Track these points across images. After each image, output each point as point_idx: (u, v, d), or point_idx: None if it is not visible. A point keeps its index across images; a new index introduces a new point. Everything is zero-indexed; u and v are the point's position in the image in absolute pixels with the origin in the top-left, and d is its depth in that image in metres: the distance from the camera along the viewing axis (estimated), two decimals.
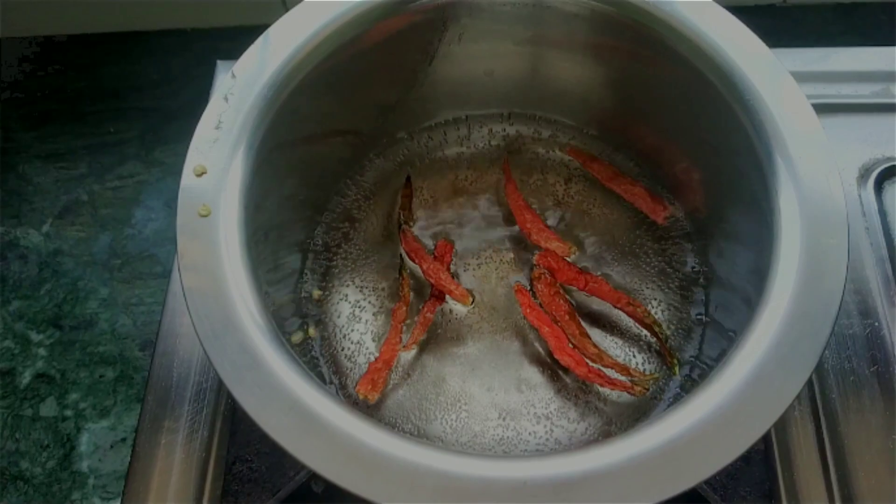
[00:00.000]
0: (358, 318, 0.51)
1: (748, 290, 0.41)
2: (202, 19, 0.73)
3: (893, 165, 0.55)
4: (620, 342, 0.49)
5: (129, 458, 0.46)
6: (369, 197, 0.55)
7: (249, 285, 0.38)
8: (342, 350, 0.50)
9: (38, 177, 0.68)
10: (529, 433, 0.46)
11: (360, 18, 0.46)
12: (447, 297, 0.50)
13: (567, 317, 0.48)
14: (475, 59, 0.53)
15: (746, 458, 0.45)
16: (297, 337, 0.49)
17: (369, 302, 0.51)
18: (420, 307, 0.50)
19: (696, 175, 0.51)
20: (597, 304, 0.50)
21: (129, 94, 0.71)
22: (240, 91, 0.43)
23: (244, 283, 0.38)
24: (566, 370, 0.48)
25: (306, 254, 0.53)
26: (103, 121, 0.70)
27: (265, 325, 0.37)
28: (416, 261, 0.51)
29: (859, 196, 0.54)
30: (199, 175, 0.40)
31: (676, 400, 0.46)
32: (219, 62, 0.59)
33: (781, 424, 0.46)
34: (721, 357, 0.37)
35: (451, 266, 0.52)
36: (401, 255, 0.52)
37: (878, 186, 0.54)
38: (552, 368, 0.48)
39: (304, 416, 0.34)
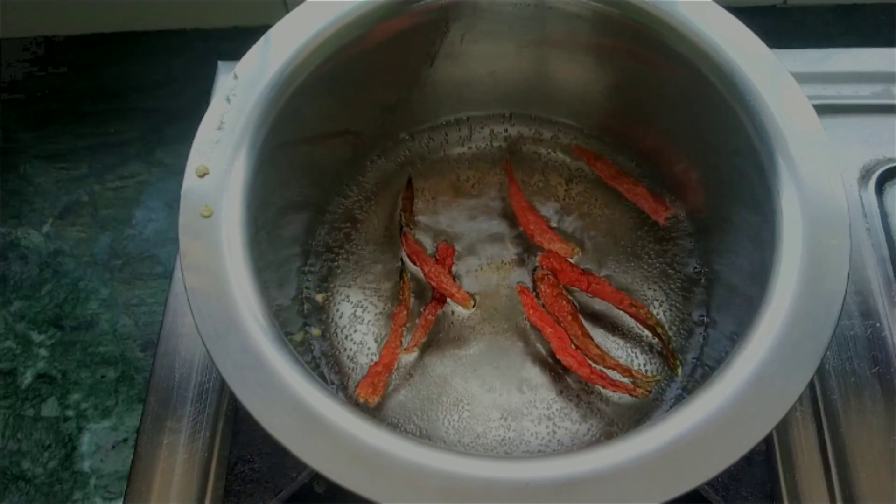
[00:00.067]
0: (360, 319, 0.51)
1: (750, 290, 0.41)
2: (203, 20, 0.73)
3: (894, 167, 0.55)
4: (622, 343, 0.49)
5: (130, 459, 0.46)
6: (371, 197, 0.55)
7: (252, 285, 0.38)
8: (344, 350, 0.50)
9: (39, 177, 0.68)
10: (531, 434, 0.47)
11: (362, 19, 0.46)
12: (448, 299, 0.50)
13: (570, 318, 0.49)
14: (477, 60, 0.53)
15: (748, 459, 0.45)
16: (299, 337, 0.49)
17: (371, 302, 0.51)
18: (421, 310, 0.50)
19: (697, 175, 0.51)
20: (599, 305, 0.50)
21: (130, 94, 0.71)
22: (242, 92, 0.43)
23: (246, 283, 0.38)
24: (568, 371, 0.48)
25: (308, 254, 0.53)
26: (104, 121, 0.70)
27: (267, 325, 0.37)
28: (418, 264, 0.51)
29: (860, 197, 0.54)
30: (202, 176, 0.40)
31: (679, 401, 0.46)
32: (220, 63, 0.59)
33: (783, 425, 0.46)
34: (723, 358, 0.37)
35: (453, 268, 0.52)
36: (402, 258, 0.52)
37: (879, 187, 0.54)
38: (554, 369, 0.48)
39: (307, 417, 0.34)
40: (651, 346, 0.49)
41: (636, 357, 0.49)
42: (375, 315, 0.51)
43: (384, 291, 0.52)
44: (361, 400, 0.46)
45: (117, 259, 0.64)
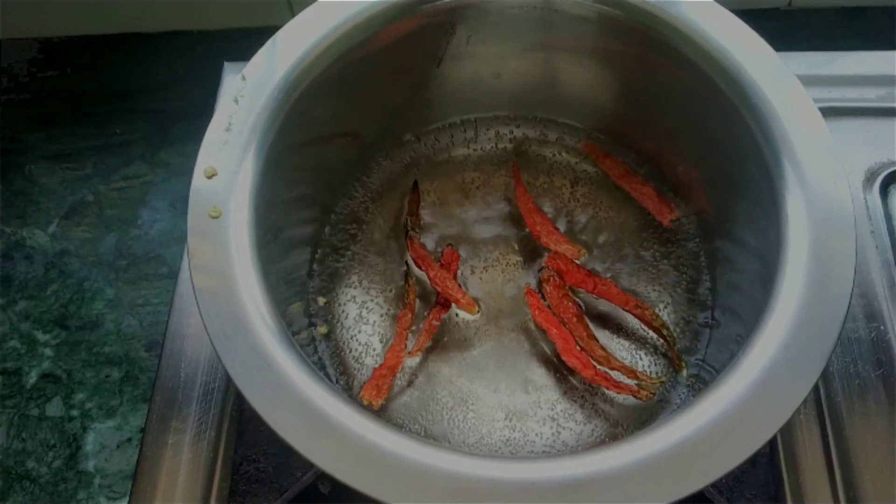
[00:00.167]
0: (365, 320, 0.51)
1: (755, 293, 0.41)
2: (207, 21, 0.73)
3: None
4: (627, 344, 0.50)
5: (134, 458, 0.47)
6: (376, 199, 0.55)
7: (259, 286, 0.38)
8: (350, 351, 0.50)
9: (44, 177, 0.68)
10: (536, 434, 0.47)
11: (369, 21, 0.46)
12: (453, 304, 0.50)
13: (575, 319, 0.49)
14: (483, 62, 0.53)
15: (752, 461, 0.45)
16: (305, 337, 0.49)
17: (377, 303, 0.51)
18: (426, 314, 0.50)
19: (702, 178, 0.51)
20: (604, 306, 0.51)
21: (135, 95, 0.71)
22: (250, 93, 0.43)
23: (254, 283, 0.38)
24: (573, 372, 0.48)
25: (314, 255, 0.53)
26: (109, 122, 0.70)
27: (275, 325, 0.37)
28: (423, 268, 0.51)
29: (865, 200, 0.54)
30: (210, 177, 0.41)
31: (684, 403, 0.46)
32: (226, 64, 0.60)
33: (787, 427, 0.46)
34: (728, 361, 0.37)
35: (458, 271, 0.52)
36: (407, 262, 0.53)
37: (884, 190, 0.54)
38: (559, 370, 0.49)
39: (314, 417, 0.34)
40: (656, 348, 0.49)
41: (641, 358, 0.49)
42: (381, 316, 0.51)
43: (389, 293, 0.52)
44: (365, 402, 0.46)
45: (122, 259, 0.64)
